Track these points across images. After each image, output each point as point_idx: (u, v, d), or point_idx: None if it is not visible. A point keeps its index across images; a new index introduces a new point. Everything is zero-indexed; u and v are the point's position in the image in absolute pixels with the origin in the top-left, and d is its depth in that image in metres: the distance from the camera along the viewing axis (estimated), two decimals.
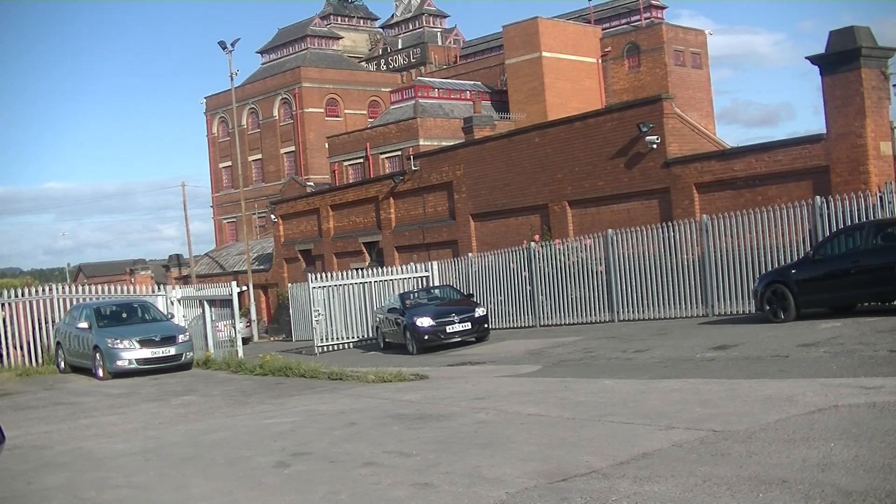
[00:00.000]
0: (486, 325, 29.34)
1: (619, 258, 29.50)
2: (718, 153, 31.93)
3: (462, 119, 52.16)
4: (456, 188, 41.38)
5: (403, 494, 8.99)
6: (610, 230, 30.09)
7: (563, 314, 31.57)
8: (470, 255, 36.83)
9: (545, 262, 32.12)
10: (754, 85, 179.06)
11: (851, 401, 11.08)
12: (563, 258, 31.57)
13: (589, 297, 30.61)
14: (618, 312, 29.37)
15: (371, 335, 35.07)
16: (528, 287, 32.79)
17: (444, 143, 52.83)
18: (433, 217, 43.18)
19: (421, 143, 63.25)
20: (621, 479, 8.47)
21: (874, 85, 25.96)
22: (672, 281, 27.91)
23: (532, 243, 32.96)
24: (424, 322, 28.80)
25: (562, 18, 77.21)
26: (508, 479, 8.99)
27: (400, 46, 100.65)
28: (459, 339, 28.70)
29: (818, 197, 24.74)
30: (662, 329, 24.64)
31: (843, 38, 25.89)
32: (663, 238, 28.39)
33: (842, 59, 25.95)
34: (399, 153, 64.49)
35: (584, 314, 30.79)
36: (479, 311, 29.33)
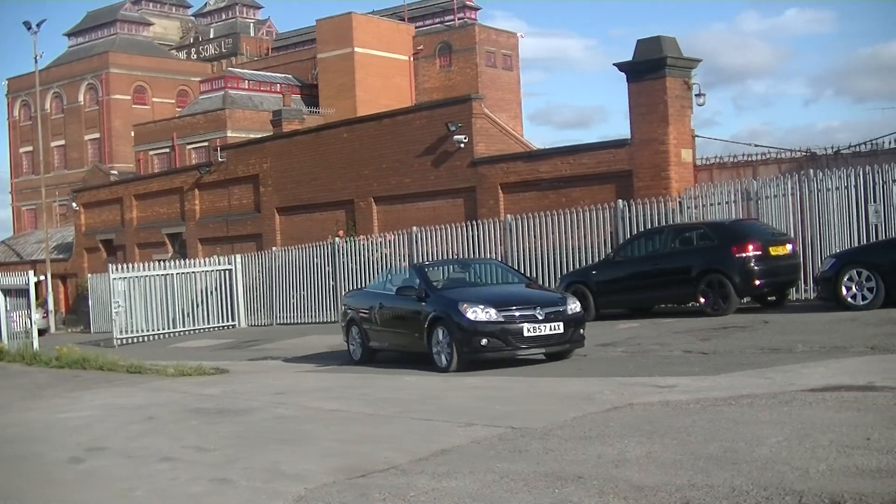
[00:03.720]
0: (581, 331, 16.63)
1: (423, 255, 29.61)
2: (525, 154, 32.44)
3: (271, 112, 51.64)
4: (262, 181, 40.89)
5: (201, 490, 8.82)
6: (414, 227, 30.24)
7: None
8: (274, 248, 36.51)
9: (349, 257, 32.02)
10: (568, 88, 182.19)
11: (646, 399, 11.34)
12: (367, 254, 31.57)
13: None
14: None
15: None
16: (331, 282, 32.64)
17: (253, 136, 52.28)
18: (238, 210, 42.58)
19: (229, 134, 62.45)
20: (420, 475, 8.47)
21: (678, 94, 26.69)
22: None
23: (337, 238, 32.88)
24: (481, 314, 16.05)
25: (376, 15, 77.11)
26: (307, 475, 8.90)
27: (212, 36, 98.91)
28: (542, 350, 16.36)
29: (620, 200, 25.36)
30: None
31: (650, 48, 26.57)
32: (467, 237, 28.66)
33: (648, 67, 26.59)
34: (207, 144, 63.41)
35: None
36: (573, 306, 16.81)
